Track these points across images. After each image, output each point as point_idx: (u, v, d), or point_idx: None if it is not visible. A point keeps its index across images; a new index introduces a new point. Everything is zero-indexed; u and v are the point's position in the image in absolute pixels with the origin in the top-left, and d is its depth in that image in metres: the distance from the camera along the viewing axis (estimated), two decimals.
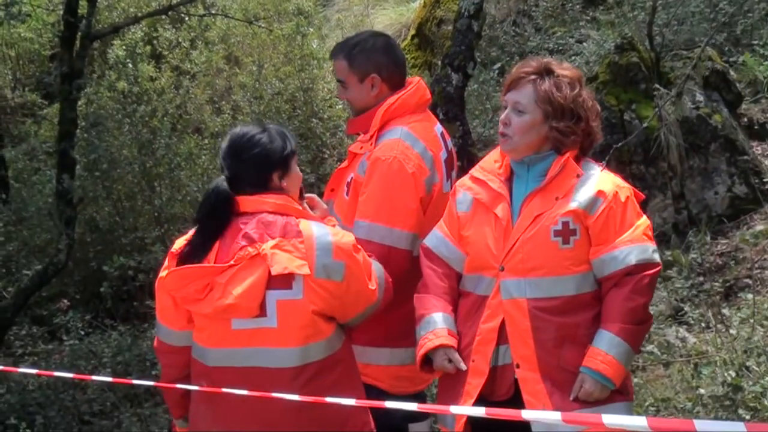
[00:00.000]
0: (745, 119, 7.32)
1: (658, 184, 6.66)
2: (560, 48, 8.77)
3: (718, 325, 5.25)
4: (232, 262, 2.91)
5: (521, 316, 3.09)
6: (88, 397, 6.21)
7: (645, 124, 5.80)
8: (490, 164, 3.32)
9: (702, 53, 6.72)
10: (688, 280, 5.95)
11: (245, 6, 10.16)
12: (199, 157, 8.24)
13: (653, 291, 3.17)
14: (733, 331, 5.12)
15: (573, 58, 8.24)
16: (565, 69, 3.23)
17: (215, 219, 2.98)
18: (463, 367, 3.16)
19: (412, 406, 2.77)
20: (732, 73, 7.31)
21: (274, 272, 2.88)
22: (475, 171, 3.35)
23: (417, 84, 3.62)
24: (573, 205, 3.10)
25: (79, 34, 6.41)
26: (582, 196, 3.11)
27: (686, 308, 5.73)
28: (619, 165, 6.13)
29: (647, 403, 4.76)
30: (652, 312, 3.26)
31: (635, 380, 4.68)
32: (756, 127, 7.33)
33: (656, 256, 3.13)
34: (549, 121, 3.16)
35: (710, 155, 6.69)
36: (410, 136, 3.49)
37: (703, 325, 5.52)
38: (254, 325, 2.93)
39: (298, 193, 3.15)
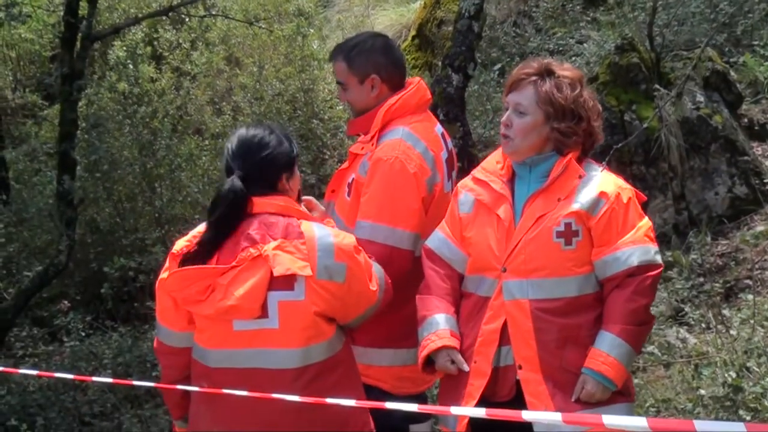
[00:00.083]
0: (746, 120, 7.32)
1: (658, 184, 6.66)
2: (561, 49, 8.77)
3: (719, 326, 5.26)
4: (233, 263, 2.91)
5: (523, 317, 3.09)
6: (89, 399, 6.21)
7: (645, 125, 5.80)
8: (492, 165, 3.32)
9: (702, 54, 6.72)
10: (688, 280, 5.95)
11: (246, 7, 10.17)
12: (199, 158, 8.24)
13: (655, 292, 3.17)
14: (733, 332, 5.12)
15: (573, 58, 8.24)
16: (565, 70, 3.23)
17: (232, 218, 2.97)
18: (466, 368, 3.16)
19: (412, 407, 2.77)
20: (732, 73, 7.31)
21: (276, 273, 2.88)
22: (476, 172, 3.35)
23: (417, 84, 3.62)
24: (575, 206, 3.10)
25: (80, 35, 6.42)
26: (584, 197, 3.12)
27: (687, 309, 5.74)
28: (619, 166, 6.13)
29: (648, 404, 4.76)
30: (652, 313, 3.26)
31: (636, 381, 4.68)
32: (756, 128, 7.33)
33: (658, 258, 3.13)
34: (550, 122, 3.16)
35: (711, 156, 6.69)
36: (411, 137, 3.49)
37: (703, 325, 5.52)
38: (256, 327, 2.93)
39: (297, 195, 3.16)
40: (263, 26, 9.35)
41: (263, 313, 2.91)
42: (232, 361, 2.96)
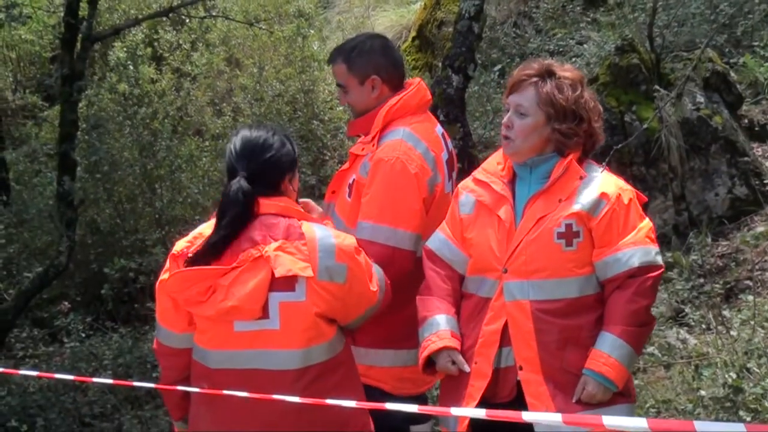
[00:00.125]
0: (746, 120, 7.32)
1: (658, 185, 6.67)
2: (561, 49, 8.77)
3: (719, 327, 5.26)
4: (235, 264, 2.91)
5: (524, 318, 3.09)
6: (89, 400, 6.21)
7: (645, 126, 5.81)
8: (493, 166, 3.32)
9: (702, 54, 6.73)
10: (688, 281, 5.95)
11: (246, 8, 10.18)
12: (199, 159, 8.24)
13: (656, 293, 3.17)
14: (733, 333, 5.12)
15: (573, 59, 8.25)
16: (566, 70, 3.23)
17: (242, 219, 2.97)
18: (467, 369, 3.16)
19: (412, 408, 2.77)
20: (732, 74, 7.31)
21: (277, 274, 2.88)
22: (477, 173, 3.36)
23: (418, 85, 3.62)
24: (576, 207, 3.10)
25: (80, 36, 6.42)
26: (585, 198, 3.12)
27: (687, 310, 5.74)
28: (619, 166, 6.14)
29: (648, 405, 4.76)
30: (653, 314, 3.26)
31: (636, 382, 4.68)
32: (756, 129, 7.33)
33: (659, 259, 3.13)
34: (551, 123, 3.16)
35: (711, 157, 6.70)
36: (412, 137, 3.49)
37: (703, 326, 5.52)
38: (257, 327, 2.92)
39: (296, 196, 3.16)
40: (263, 27, 9.36)
41: (264, 314, 2.91)
42: (232, 362, 2.96)
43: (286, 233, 2.95)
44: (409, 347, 3.45)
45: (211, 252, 2.93)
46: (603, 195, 3.12)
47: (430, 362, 3.25)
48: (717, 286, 5.79)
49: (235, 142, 3.07)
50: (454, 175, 3.68)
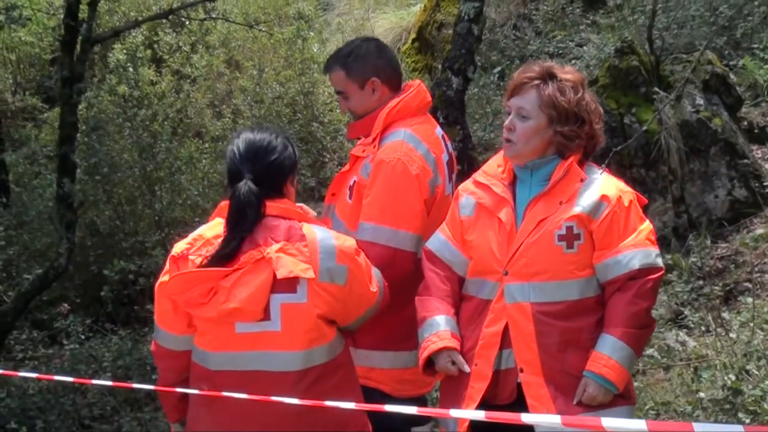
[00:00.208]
0: (745, 123, 7.32)
1: (658, 187, 6.67)
2: (560, 52, 8.78)
3: (718, 329, 5.26)
4: (236, 266, 2.91)
5: (525, 320, 3.09)
6: (89, 401, 6.21)
7: (645, 128, 5.80)
8: (493, 169, 3.33)
9: (702, 57, 6.73)
10: (688, 283, 5.95)
11: (246, 10, 10.19)
12: (199, 161, 8.25)
13: (656, 295, 3.17)
14: (733, 335, 5.12)
15: (573, 61, 8.25)
16: (567, 73, 3.23)
17: (253, 221, 2.97)
18: (467, 369, 3.16)
19: (411, 410, 2.77)
20: (732, 76, 7.31)
21: (279, 276, 2.89)
22: (478, 175, 3.36)
23: (418, 87, 3.63)
24: (577, 209, 3.11)
25: (80, 38, 6.42)
26: (586, 200, 3.12)
27: (686, 312, 5.74)
28: (619, 169, 6.14)
29: (647, 407, 4.76)
30: (653, 316, 3.26)
31: (635, 384, 4.68)
32: (756, 131, 7.33)
33: (659, 261, 3.13)
34: (553, 125, 3.16)
35: (710, 159, 6.70)
36: (413, 138, 3.50)
37: (703, 328, 5.52)
38: (258, 329, 2.93)
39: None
40: (263, 29, 9.37)
41: (266, 315, 2.91)
42: (233, 364, 2.96)
43: (287, 235, 2.96)
44: (410, 349, 3.45)
45: (226, 256, 2.93)
46: (603, 197, 3.12)
47: (430, 363, 3.25)
48: (716, 288, 5.79)
49: (238, 144, 3.06)
50: (454, 176, 3.68)
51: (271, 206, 3.00)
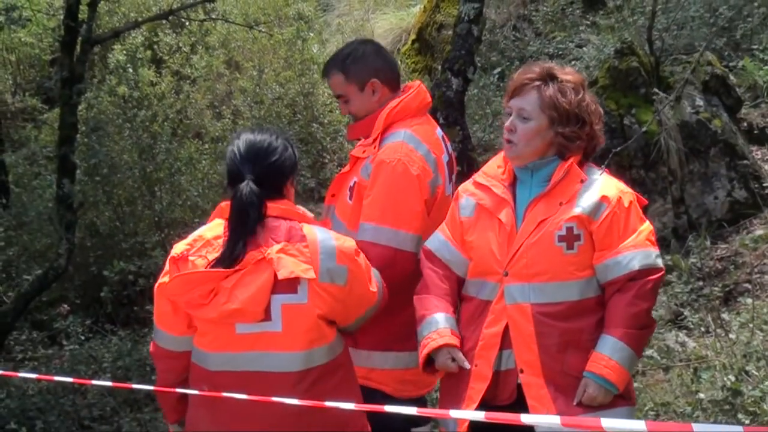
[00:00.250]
0: (745, 124, 7.33)
1: (657, 188, 6.67)
2: (560, 53, 8.79)
3: (718, 330, 5.26)
4: (237, 267, 2.92)
5: (525, 321, 3.09)
6: (88, 402, 6.21)
7: (644, 129, 5.81)
8: (493, 170, 3.33)
9: (701, 58, 6.74)
10: (687, 284, 5.95)
11: (246, 11, 10.19)
12: (199, 161, 8.25)
13: (656, 296, 3.17)
14: (732, 336, 5.12)
15: (573, 62, 8.26)
16: (567, 74, 3.24)
17: (255, 222, 2.97)
18: (467, 366, 3.16)
19: (411, 410, 2.77)
20: (731, 77, 7.32)
21: (280, 276, 2.89)
22: (478, 176, 3.36)
23: (418, 88, 3.63)
24: (577, 210, 3.11)
25: (80, 38, 6.43)
26: (586, 201, 3.12)
27: (686, 313, 5.74)
28: (619, 169, 6.14)
29: (647, 408, 4.76)
30: (653, 316, 3.26)
31: (635, 385, 4.68)
32: (756, 132, 7.34)
33: (659, 262, 3.13)
34: (554, 126, 3.16)
35: (710, 160, 6.70)
36: (413, 139, 3.50)
37: (702, 329, 5.53)
38: (259, 330, 2.93)
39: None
40: (263, 30, 9.37)
41: (266, 316, 2.91)
42: (233, 364, 2.96)
43: (288, 235, 2.96)
44: (411, 349, 3.45)
45: (232, 259, 2.92)
46: (604, 198, 3.12)
47: (431, 360, 3.25)
48: (716, 289, 5.79)
49: (239, 145, 3.06)
50: (454, 177, 3.69)
51: (272, 207, 3.00)
